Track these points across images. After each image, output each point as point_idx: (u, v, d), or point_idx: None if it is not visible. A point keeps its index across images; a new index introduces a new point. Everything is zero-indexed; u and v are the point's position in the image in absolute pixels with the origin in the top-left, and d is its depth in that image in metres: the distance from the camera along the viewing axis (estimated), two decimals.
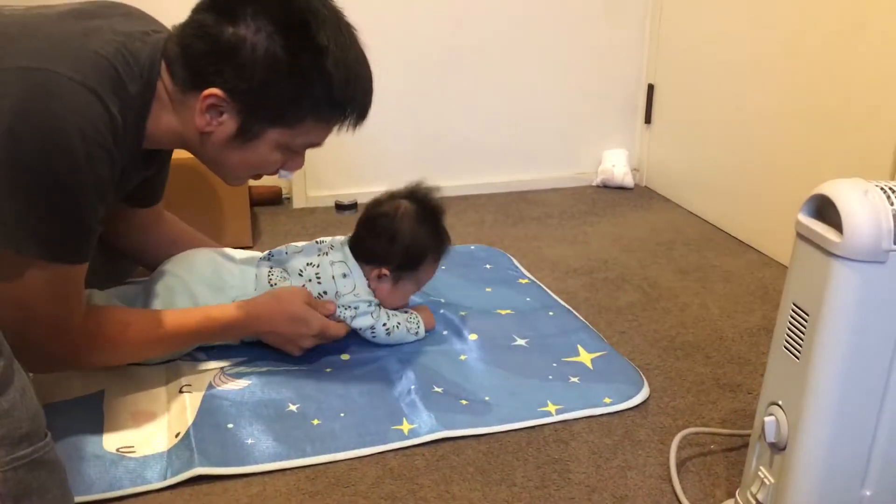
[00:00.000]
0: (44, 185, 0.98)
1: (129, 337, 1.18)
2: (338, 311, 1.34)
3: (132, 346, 1.20)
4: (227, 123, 1.11)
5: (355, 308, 1.34)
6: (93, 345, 1.14)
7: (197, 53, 1.07)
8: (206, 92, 1.07)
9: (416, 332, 1.40)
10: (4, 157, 0.96)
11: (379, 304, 1.38)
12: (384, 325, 1.36)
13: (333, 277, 1.33)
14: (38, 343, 1.06)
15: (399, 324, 1.37)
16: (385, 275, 1.36)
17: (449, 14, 2.15)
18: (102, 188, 1.04)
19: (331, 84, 1.09)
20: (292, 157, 1.19)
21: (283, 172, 1.22)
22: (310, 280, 1.34)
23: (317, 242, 1.40)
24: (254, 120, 1.11)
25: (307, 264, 1.35)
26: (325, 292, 1.33)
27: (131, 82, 1.06)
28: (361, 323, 1.35)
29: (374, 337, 1.37)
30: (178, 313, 1.25)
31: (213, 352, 1.34)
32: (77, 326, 1.10)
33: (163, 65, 1.10)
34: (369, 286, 1.36)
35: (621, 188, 2.37)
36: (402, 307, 1.43)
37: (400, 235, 1.35)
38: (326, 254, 1.36)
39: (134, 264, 1.49)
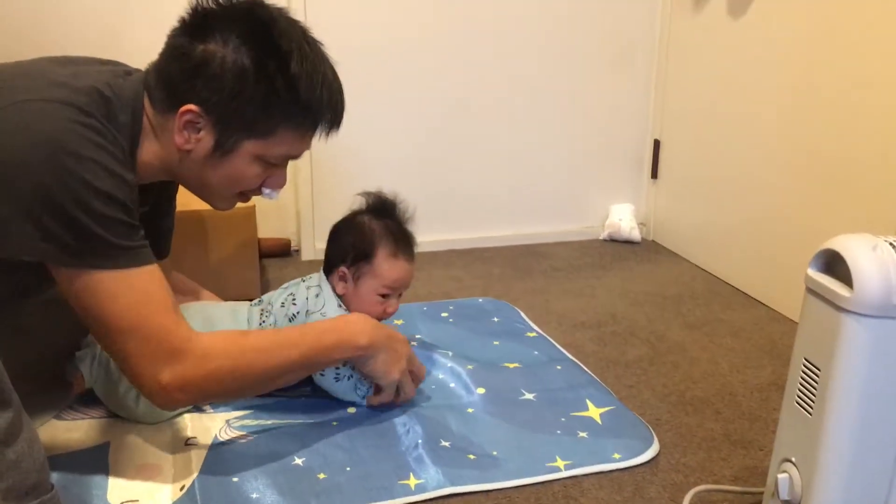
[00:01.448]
0: (73, 198, 1.00)
1: (248, 345, 1.14)
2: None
3: (253, 356, 1.14)
4: (205, 139, 1.14)
5: None
6: (214, 360, 1.10)
7: (172, 74, 1.12)
8: (182, 108, 1.11)
9: (364, 395, 1.35)
10: (26, 183, 0.99)
11: None
12: (336, 368, 1.33)
13: (308, 299, 1.36)
14: (148, 367, 1.06)
15: (350, 376, 1.34)
16: (343, 273, 1.37)
17: (456, 70, 2.19)
18: (125, 187, 1.05)
19: (297, 88, 1.12)
20: (273, 172, 1.21)
21: (266, 191, 1.23)
22: (283, 305, 1.36)
23: (302, 280, 1.42)
24: (229, 132, 1.14)
25: (288, 294, 1.38)
26: (297, 313, 1.35)
27: (121, 115, 1.10)
28: None
29: (321, 376, 1.34)
30: (290, 329, 1.27)
31: (219, 405, 1.33)
32: (184, 344, 1.08)
33: (144, 95, 1.14)
34: (340, 305, 1.36)
35: (628, 242, 2.38)
36: (375, 317, 1.35)
37: (349, 230, 1.39)
38: (304, 281, 1.40)
39: None
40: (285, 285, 1.42)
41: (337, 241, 1.41)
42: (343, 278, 1.38)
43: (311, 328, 1.25)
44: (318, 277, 1.40)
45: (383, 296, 1.38)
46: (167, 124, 1.13)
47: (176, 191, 1.38)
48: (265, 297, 1.43)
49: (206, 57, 1.10)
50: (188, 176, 1.19)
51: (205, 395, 1.17)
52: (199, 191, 1.23)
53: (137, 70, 1.19)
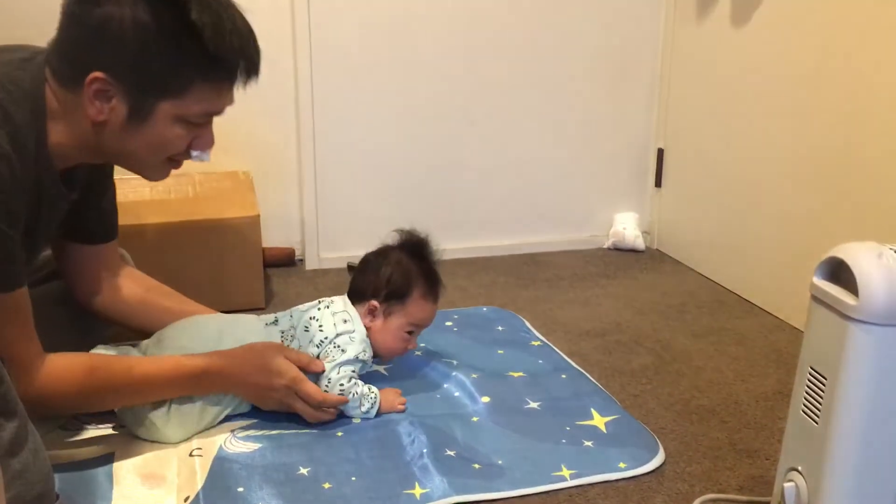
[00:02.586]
0: None
1: (95, 381, 1.17)
2: (325, 349, 1.34)
3: (99, 391, 1.18)
4: (118, 107, 1.10)
5: (342, 350, 1.33)
6: (55, 386, 1.12)
7: (72, 45, 1.09)
8: (89, 77, 1.07)
9: (366, 411, 1.35)
10: None
11: (365, 363, 1.37)
12: (341, 385, 1.32)
13: (335, 325, 1.36)
14: None
15: (356, 394, 1.33)
16: (375, 307, 1.38)
17: (461, 79, 2.19)
18: (7, 211, 1.03)
19: (201, 38, 1.07)
20: (198, 133, 1.17)
21: (195, 153, 1.19)
22: (311, 332, 1.35)
23: (319, 301, 1.41)
24: (141, 96, 1.10)
25: (311, 318, 1.37)
26: (326, 338, 1.35)
27: (17, 111, 1.06)
28: (327, 372, 1.32)
29: (326, 390, 1.32)
30: (149, 360, 1.25)
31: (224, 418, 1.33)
32: (30, 364, 1.09)
33: (49, 76, 1.11)
34: (367, 336, 1.37)
35: (632, 251, 2.38)
36: (398, 352, 1.42)
37: (385, 265, 1.40)
38: (328, 307, 1.39)
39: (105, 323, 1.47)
40: (302, 308, 1.41)
41: (371, 274, 1.40)
42: (372, 312, 1.39)
43: (165, 377, 1.23)
44: (342, 303, 1.40)
45: (408, 332, 1.41)
46: (77, 100, 1.09)
47: (111, 170, 1.35)
48: (280, 318, 1.40)
49: (104, 19, 1.06)
50: (111, 149, 1.15)
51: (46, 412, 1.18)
52: (127, 163, 1.19)
53: (38, 53, 1.14)
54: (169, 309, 1.43)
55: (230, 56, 1.11)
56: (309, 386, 1.29)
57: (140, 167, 1.20)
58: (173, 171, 1.22)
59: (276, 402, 1.30)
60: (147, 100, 1.10)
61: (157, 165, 1.19)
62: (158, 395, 1.25)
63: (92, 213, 1.34)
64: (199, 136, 1.17)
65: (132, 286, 1.43)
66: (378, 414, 1.35)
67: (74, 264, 1.38)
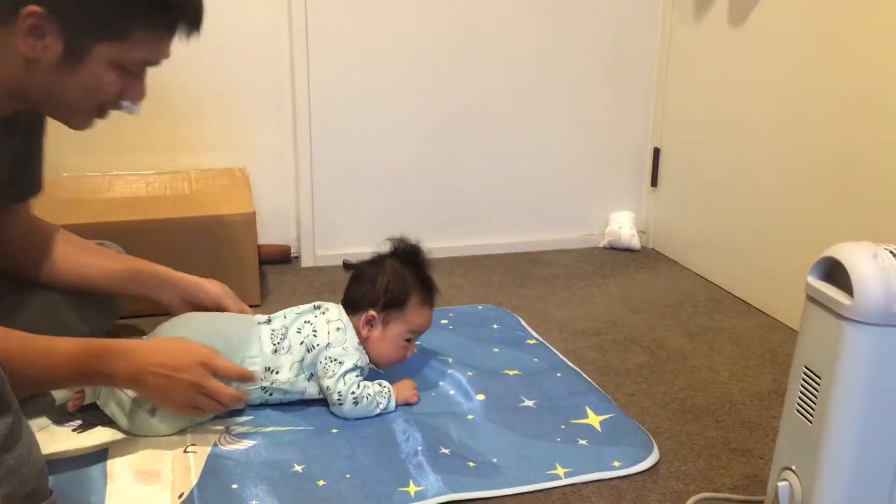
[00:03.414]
0: None
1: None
2: (323, 365, 1.33)
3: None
4: (53, 45, 1.06)
5: (340, 363, 1.33)
6: None
7: None
8: (25, 11, 1.02)
9: (385, 407, 1.35)
10: None
11: (362, 370, 1.37)
12: (353, 393, 1.32)
13: (329, 333, 1.35)
14: None
15: (369, 395, 1.33)
16: (373, 317, 1.38)
17: (457, 78, 2.19)
18: None
19: None
20: (131, 82, 1.14)
21: (125, 104, 1.16)
22: (303, 334, 1.35)
23: (316, 307, 1.41)
24: (78, 35, 1.06)
25: (305, 322, 1.37)
26: (317, 345, 1.34)
27: None
28: (333, 386, 1.32)
29: (339, 403, 1.32)
30: (50, 337, 1.11)
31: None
32: None
33: None
34: (360, 344, 1.37)
35: (628, 250, 2.38)
36: (397, 360, 1.42)
37: (381, 275, 1.39)
38: (324, 313, 1.39)
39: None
40: (297, 310, 1.40)
41: (366, 284, 1.40)
42: (370, 322, 1.38)
43: (64, 351, 1.10)
44: (337, 312, 1.40)
45: (407, 339, 1.41)
46: (8, 38, 1.04)
47: (43, 119, 1.29)
48: (275, 319, 1.39)
49: None
50: (40, 91, 1.10)
51: None
52: (55, 107, 1.15)
53: None
54: (87, 263, 1.41)
55: (175, 3, 1.10)
56: (225, 361, 1.24)
57: (66, 113, 1.16)
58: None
59: (185, 387, 1.17)
60: (84, 40, 1.07)
61: (85, 112, 1.16)
62: (56, 373, 1.10)
63: (34, 168, 1.29)
64: (132, 85, 1.15)
65: (66, 248, 1.39)
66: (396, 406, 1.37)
67: (14, 230, 1.32)
